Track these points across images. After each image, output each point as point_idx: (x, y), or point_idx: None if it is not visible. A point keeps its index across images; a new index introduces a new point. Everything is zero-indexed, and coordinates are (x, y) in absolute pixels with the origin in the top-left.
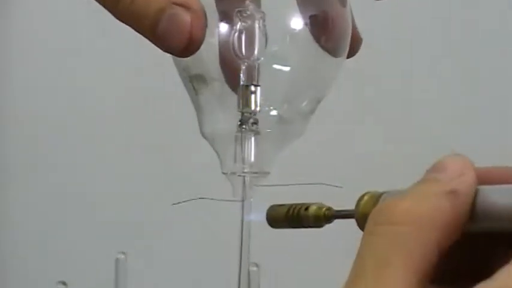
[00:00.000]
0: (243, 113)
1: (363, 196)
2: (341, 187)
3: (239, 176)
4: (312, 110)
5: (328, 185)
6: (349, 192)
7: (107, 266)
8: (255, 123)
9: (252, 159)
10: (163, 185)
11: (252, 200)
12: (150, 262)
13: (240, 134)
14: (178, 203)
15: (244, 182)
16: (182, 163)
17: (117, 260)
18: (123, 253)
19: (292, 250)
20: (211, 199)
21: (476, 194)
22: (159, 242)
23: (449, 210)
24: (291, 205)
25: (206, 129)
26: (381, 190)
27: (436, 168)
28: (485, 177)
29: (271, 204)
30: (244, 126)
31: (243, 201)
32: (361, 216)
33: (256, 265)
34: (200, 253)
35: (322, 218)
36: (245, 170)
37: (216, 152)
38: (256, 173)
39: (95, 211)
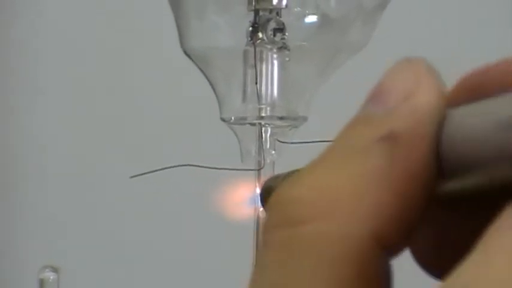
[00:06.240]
0: (257, 11)
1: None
2: None
3: (251, 124)
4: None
5: None
6: None
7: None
8: (280, 29)
9: (275, 94)
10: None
11: (274, 165)
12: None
13: (252, 48)
14: (139, 175)
15: (260, 134)
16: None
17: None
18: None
19: None
20: (201, 167)
21: (442, 125)
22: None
23: (387, 172)
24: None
25: (193, 41)
26: None
27: (373, 95)
28: (468, 89)
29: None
30: (260, 35)
31: (259, 170)
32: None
33: None
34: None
35: None
36: (263, 114)
37: (210, 81)
38: (282, 118)
39: None
